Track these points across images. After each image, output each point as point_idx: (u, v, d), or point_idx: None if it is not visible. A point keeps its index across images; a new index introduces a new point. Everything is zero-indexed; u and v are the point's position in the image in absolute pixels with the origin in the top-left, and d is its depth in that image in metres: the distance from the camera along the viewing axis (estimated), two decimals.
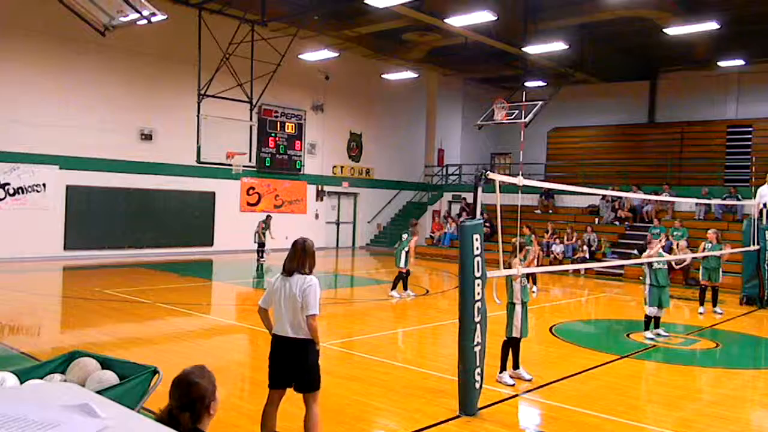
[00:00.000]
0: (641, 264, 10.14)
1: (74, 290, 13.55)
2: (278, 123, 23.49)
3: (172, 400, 2.87)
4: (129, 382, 4.44)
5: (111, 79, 19.08)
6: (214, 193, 21.71)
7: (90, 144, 18.65)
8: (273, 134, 23.29)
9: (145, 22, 11.76)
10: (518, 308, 7.26)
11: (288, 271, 4.85)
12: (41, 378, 4.52)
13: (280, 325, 4.82)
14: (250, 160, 18.99)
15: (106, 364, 4.71)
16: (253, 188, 22.98)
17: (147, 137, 19.92)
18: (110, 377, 4.52)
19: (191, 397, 2.85)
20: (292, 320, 4.75)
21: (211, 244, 21.67)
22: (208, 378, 2.96)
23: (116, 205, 19.26)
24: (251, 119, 19.10)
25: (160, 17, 11.81)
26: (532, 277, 14.85)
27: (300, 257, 4.84)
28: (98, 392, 4.05)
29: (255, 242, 20.04)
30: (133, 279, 15.28)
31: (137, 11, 11.33)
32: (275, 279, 4.96)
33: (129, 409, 1.83)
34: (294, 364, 4.81)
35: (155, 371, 4.52)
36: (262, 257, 19.95)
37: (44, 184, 17.89)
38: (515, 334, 7.26)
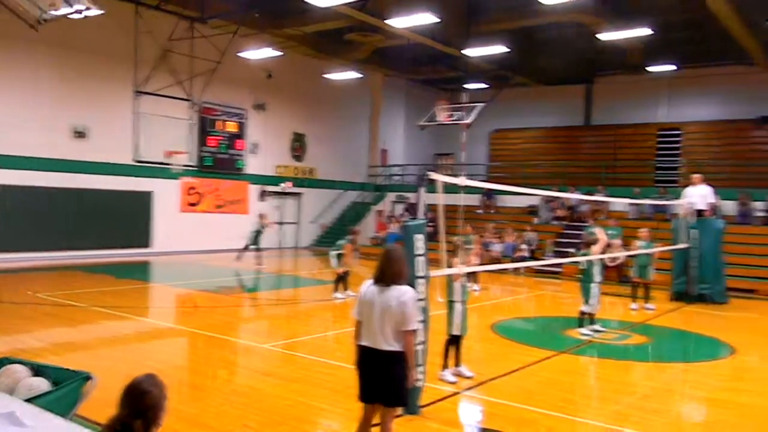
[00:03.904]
0: (582, 261, 10.40)
1: (5, 294, 12.97)
2: (219, 122, 23.10)
3: (124, 408, 2.79)
4: (61, 389, 4.29)
5: (43, 75, 18.33)
6: (152, 193, 21.17)
7: (20, 142, 17.87)
8: (214, 133, 22.89)
9: (78, 16, 11.39)
10: (458, 306, 7.36)
11: (384, 280, 4.63)
12: None
13: (371, 336, 4.57)
14: (190, 160, 18.63)
15: (37, 370, 4.54)
16: (194, 188, 22.53)
17: (80, 135, 19.25)
18: (41, 384, 4.35)
19: (144, 406, 2.79)
20: (386, 333, 4.52)
21: (150, 246, 21.13)
22: (159, 387, 2.90)
23: (50, 204, 18.53)
24: (191, 117, 18.75)
25: (94, 11, 11.49)
26: (473, 276, 15.12)
27: (395, 266, 4.64)
28: (29, 400, 3.91)
29: (251, 243, 18.98)
30: (67, 282, 14.76)
31: (70, 5, 10.97)
32: (366, 288, 4.72)
33: (60, 417, 1.78)
34: (381, 377, 4.59)
35: (88, 377, 4.39)
36: (260, 262, 18.79)
37: None
38: (456, 331, 7.37)
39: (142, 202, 20.93)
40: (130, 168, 19.38)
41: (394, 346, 4.53)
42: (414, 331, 4.62)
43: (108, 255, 19.63)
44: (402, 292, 4.58)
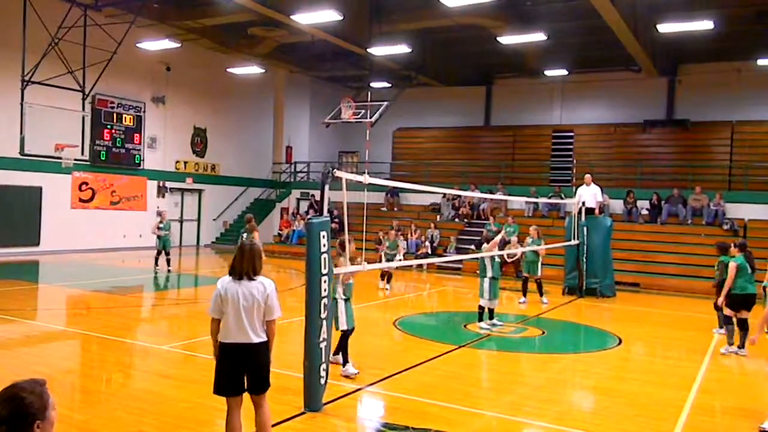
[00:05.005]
0: (480, 257, 10.75)
1: None
2: (114, 114, 22.12)
3: None
4: None
5: None
6: (41, 188, 19.97)
7: None
8: (109, 126, 21.89)
9: None
10: (341, 303, 7.46)
11: (242, 275, 4.74)
12: None
13: (239, 331, 4.68)
14: (82, 153, 17.70)
15: None
16: (87, 183, 21.46)
17: None
18: None
19: (10, 413, 2.61)
20: (255, 325, 4.69)
21: (38, 244, 19.93)
22: (39, 394, 2.71)
23: None
24: (83, 109, 17.83)
25: None
26: (387, 275, 15.34)
27: (253, 261, 4.76)
28: None
29: (158, 248, 17.47)
30: None
31: None
32: (224, 285, 4.79)
33: None
34: (252, 367, 4.74)
35: None
36: (168, 264, 17.37)
37: None
38: (342, 327, 7.44)
39: (30, 197, 19.71)
40: (17, 162, 18.22)
41: (262, 337, 4.74)
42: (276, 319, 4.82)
43: None
44: (265, 284, 4.77)
